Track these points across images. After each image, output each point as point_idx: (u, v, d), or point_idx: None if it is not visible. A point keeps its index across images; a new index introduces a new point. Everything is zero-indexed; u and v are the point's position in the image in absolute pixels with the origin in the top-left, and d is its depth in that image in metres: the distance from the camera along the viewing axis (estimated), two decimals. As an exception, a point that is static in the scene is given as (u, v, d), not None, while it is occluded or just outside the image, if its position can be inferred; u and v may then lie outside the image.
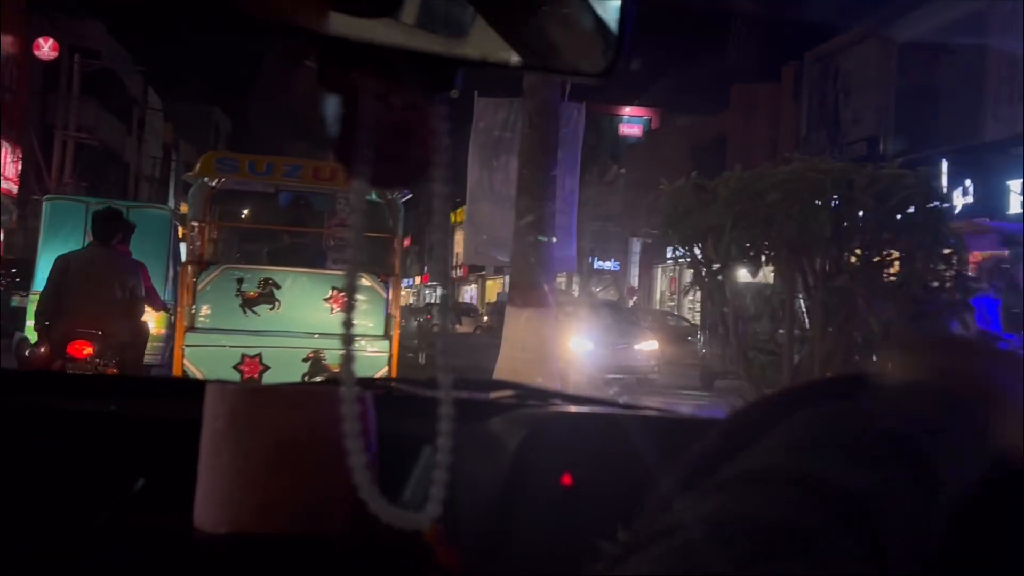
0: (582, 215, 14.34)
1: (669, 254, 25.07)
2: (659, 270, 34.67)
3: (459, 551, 0.81)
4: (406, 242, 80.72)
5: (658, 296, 34.83)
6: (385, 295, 6.96)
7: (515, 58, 0.61)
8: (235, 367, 6.63)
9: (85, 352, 6.01)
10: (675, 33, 32.09)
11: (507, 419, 0.96)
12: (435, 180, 0.63)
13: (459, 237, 61.00)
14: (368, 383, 1.31)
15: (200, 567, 0.86)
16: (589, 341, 14.31)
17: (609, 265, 39.39)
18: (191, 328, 6.68)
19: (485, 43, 0.60)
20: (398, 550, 0.81)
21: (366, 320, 6.80)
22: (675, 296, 31.99)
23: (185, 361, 6.57)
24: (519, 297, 7.77)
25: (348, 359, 0.66)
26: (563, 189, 8.40)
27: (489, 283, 64.96)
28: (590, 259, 39.26)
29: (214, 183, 7.23)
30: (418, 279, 79.49)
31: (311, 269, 7.10)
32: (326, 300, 6.78)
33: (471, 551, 0.84)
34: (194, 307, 6.73)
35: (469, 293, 66.84)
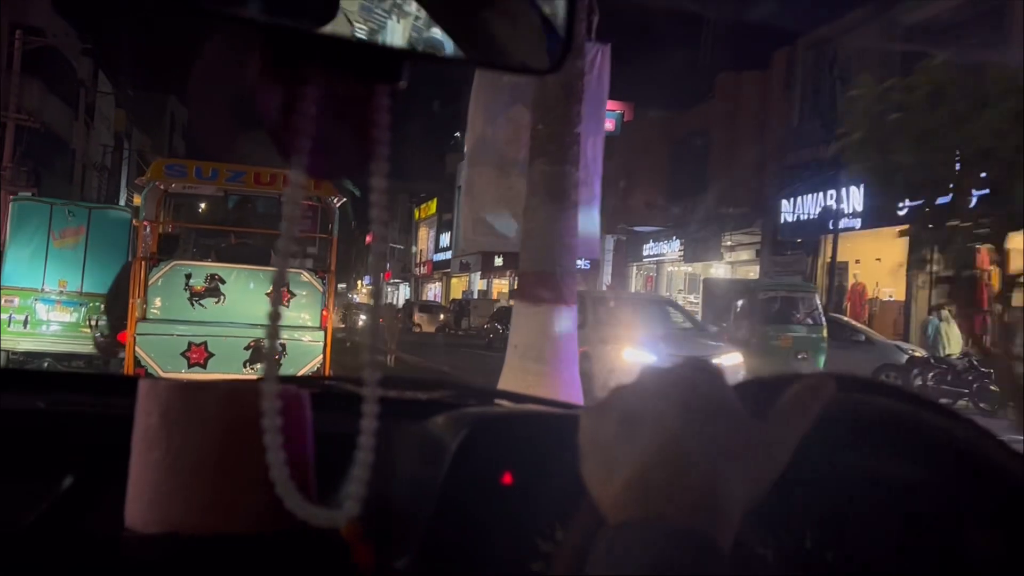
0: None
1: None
2: (633, 268, 33.41)
3: (374, 549, 0.80)
4: (368, 239, 78.43)
5: (633, 295, 33.68)
6: (322, 290, 7.56)
7: (461, 53, 0.61)
8: (182, 354, 7.27)
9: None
10: (650, 19, 30.82)
11: (448, 418, 0.95)
12: (375, 173, 0.63)
13: (423, 234, 59.80)
14: (305, 381, 1.40)
15: (130, 567, 0.85)
16: (648, 352, 11.75)
17: (580, 264, 38.18)
18: (142, 319, 7.26)
19: (431, 36, 0.60)
20: (325, 549, 0.80)
21: (304, 313, 7.52)
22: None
23: (137, 349, 7.15)
24: (530, 290, 6.26)
25: (270, 354, 0.66)
26: (585, 153, 6.78)
27: (454, 281, 63.67)
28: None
29: (164, 187, 7.98)
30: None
31: (254, 266, 7.63)
32: (267, 294, 7.08)
33: (410, 551, 0.84)
34: (146, 300, 7.30)
35: (433, 291, 65.50)
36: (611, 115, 43.96)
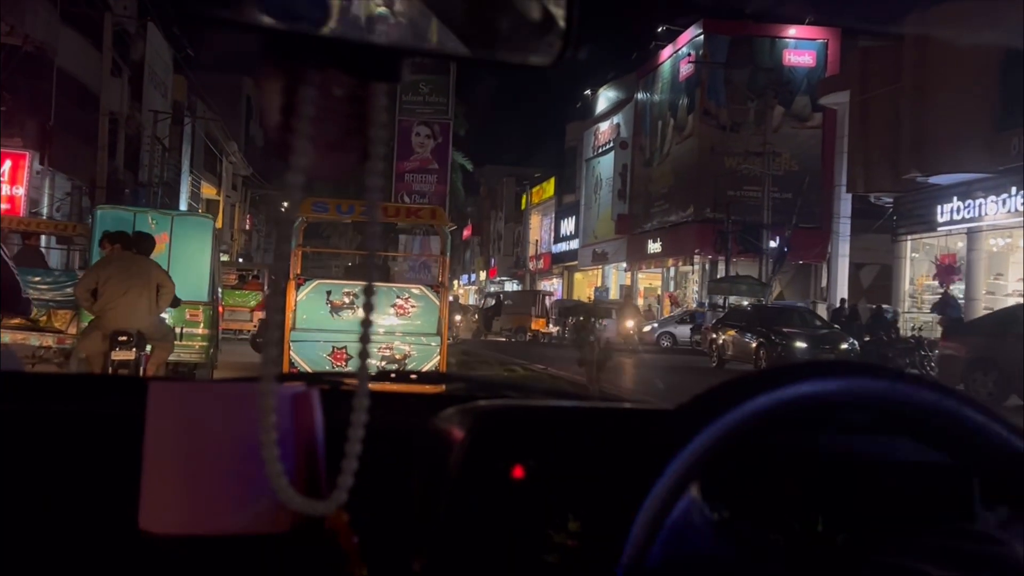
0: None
1: None
2: (906, 243, 22.98)
3: (359, 540, 0.83)
4: (467, 232, 66.25)
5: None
6: (437, 302, 8.80)
7: (462, 49, 0.62)
8: (327, 356, 8.50)
9: None
10: None
11: (458, 412, 0.96)
12: (371, 172, 0.65)
13: (535, 222, 49.88)
14: (314, 379, 1.48)
15: (146, 568, 0.87)
16: None
17: (773, 243, 27.92)
18: (294, 328, 8.58)
19: (431, 33, 0.61)
20: (333, 547, 0.83)
21: (423, 321, 8.78)
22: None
23: (291, 354, 8.31)
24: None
25: (268, 359, 0.68)
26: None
27: (578, 276, 53.79)
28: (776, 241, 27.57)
29: (308, 219, 9.45)
30: (483, 274, 69.14)
31: (381, 283, 8.90)
32: (392, 307, 8.65)
33: (423, 545, 0.86)
34: (296, 313, 8.60)
35: (550, 288, 55.86)
36: (808, 44, 33.64)
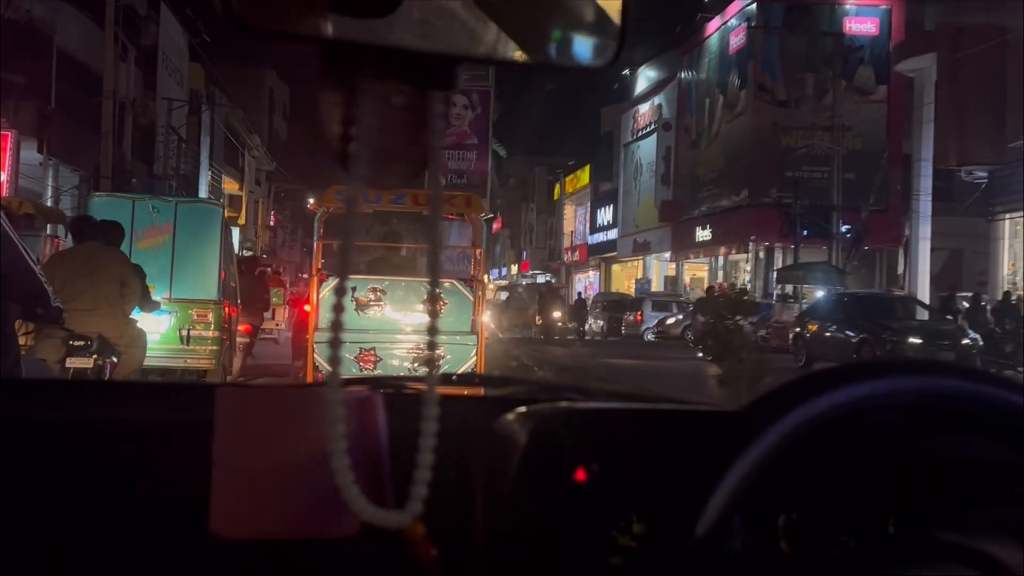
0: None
1: None
2: (1004, 223, 20.53)
3: (438, 550, 0.83)
4: (497, 225, 63.55)
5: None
6: (471, 298, 8.04)
7: (519, 54, 0.61)
8: (353, 359, 7.76)
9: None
10: None
11: (519, 415, 0.96)
12: (432, 181, 0.65)
13: (569, 213, 47.25)
14: (377, 383, 1.35)
15: (218, 573, 0.89)
16: None
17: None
18: (318, 328, 7.90)
19: (488, 40, 0.60)
20: (400, 552, 0.84)
21: (456, 319, 7.93)
22: None
23: (316, 356, 7.79)
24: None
25: (334, 362, 0.69)
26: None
27: (616, 268, 51.35)
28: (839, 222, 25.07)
29: (332, 210, 8.59)
30: (514, 268, 66.81)
31: (406, 277, 8.34)
32: (421, 303, 7.87)
33: (484, 549, 0.87)
34: (320, 311, 8.02)
35: (584, 282, 53.48)
36: (870, 11, 31.10)
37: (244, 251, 31.04)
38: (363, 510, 0.72)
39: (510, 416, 0.95)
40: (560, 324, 25.08)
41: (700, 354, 14.82)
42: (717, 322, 8.94)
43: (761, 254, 31.46)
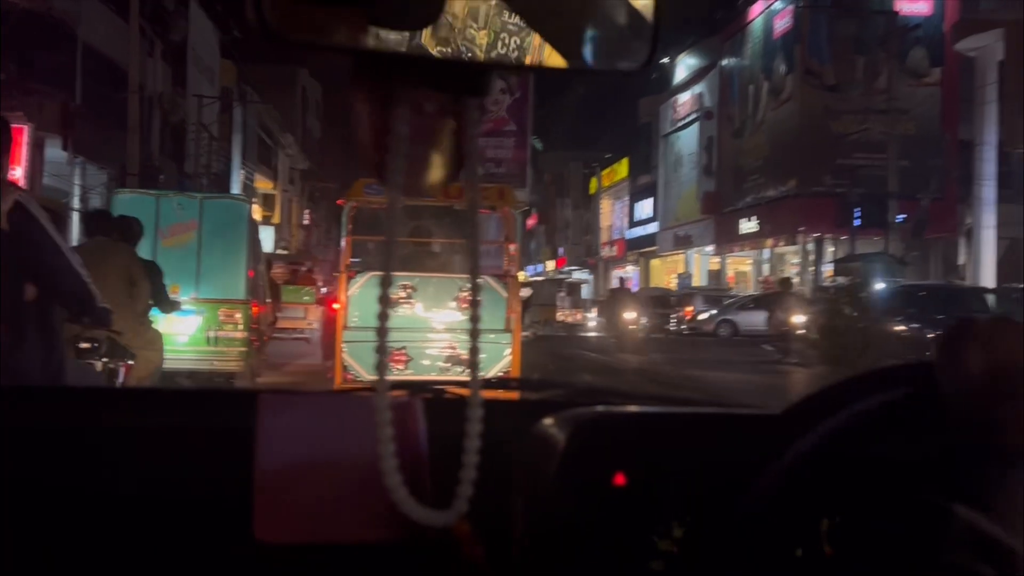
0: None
1: None
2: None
3: (484, 549, 0.83)
4: (532, 221, 62.00)
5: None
6: (505, 295, 7.80)
7: (553, 59, 0.61)
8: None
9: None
10: None
11: (558, 419, 0.96)
12: (469, 189, 0.66)
13: (606, 207, 45.97)
14: (419, 388, 1.35)
15: None
16: None
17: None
18: (346, 327, 7.63)
19: (520, 47, 0.60)
20: (445, 554, 0.84)
21: (489, 316, 7.50)
22: None
23: (344, 356, 7.49)
24: None
25: (381, 367, 0.69)
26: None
27: (655, 263, 50.13)
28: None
29: (359, 204, 8.36)
30: (550, 264, 65.84)
31: (438, 274, 8.02)
32: (455, 300, 7.67)
33: (524, 551, 0.87)
34: (348, 310, 7.72)
35: (620, 276, 52.29)
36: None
37: (279, 250, 30.57)
38: (411, 510, 0.73)
39: (549, 420, 0.94)
40: (633, 327, 21.58)
41: (781, 356, 13.69)
42: (834, 320, 7.80)
43: (809, 246, 30.25)
